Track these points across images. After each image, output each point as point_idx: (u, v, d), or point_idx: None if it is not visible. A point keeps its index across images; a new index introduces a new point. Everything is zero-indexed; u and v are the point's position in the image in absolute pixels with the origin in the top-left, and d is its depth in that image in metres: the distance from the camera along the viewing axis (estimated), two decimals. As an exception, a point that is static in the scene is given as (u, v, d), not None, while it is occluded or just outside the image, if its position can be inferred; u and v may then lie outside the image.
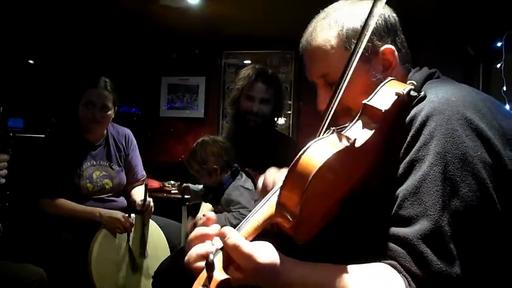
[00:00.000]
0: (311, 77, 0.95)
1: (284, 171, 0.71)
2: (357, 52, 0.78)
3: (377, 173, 0.78)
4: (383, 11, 0.88)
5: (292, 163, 0.65)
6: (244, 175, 1.80)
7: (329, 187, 0.70)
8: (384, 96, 0.75)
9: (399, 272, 0.65)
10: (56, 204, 1.89)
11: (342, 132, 0.72)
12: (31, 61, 3.55)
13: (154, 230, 2.02)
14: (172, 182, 3.23)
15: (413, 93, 0.76)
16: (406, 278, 0.64)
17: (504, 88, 2.51)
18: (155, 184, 3.15)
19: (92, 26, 3.28)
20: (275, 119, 2.13)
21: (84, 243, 1.82)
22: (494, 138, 0.69)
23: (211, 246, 0.65)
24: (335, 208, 0.79)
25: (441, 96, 0.73)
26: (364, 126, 0.74)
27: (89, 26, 3.27)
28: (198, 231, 0.69)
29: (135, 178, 2.21)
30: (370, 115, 0.74)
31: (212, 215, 0.72)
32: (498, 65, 2.59)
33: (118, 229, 1.86)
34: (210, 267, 0.58)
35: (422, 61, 0.95)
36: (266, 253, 0.62)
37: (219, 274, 0.58)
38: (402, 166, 0.72)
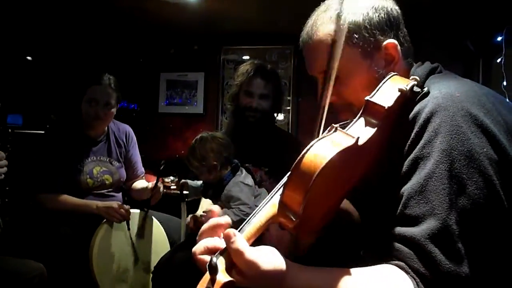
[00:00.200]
0: (312, 72, 0.93)
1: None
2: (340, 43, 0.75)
3: (378, 170, 0.78)
4: (386, 4, 0.87)
5: (295, 162, 0.64)
6: (244, 171, 1.79)
7: (332, 186, 0.69)
8: (387, 92, 0.74)
9: (407, 273, 0.64)
10: (54, 199, 1.90)
11: (345, 130, 0.71)
12: (29, 58, 3.53)
13: (154, 225, 2.02)
14: (171, 178, 3.22)
15: (416, 88, 0.75)
16: (415, 279, 0.63)
17: (504, 83, 2.51)
18: (154, 180, 3.13)
19: (90, 22, 3.25)
20: (275, 114, 2.12)
21: (83, 237, 1.83)
22: (499, 134, 0.68)
23: (221, 242, 0.64)
24: (336, 207, 0.78)
25: (444, 92, 0.72)
26: (366, 123, 0.73)
27: (87, 22, 3.24)
28: (212, 221, 0.68)
29: (135, 174, 2.23)
30: (373, 112, 0.73)
31: (216, 207, 0.72)
32: (498, 60, 2.58)
33: (114, 218, 1.86)
34: (213, 269, 0.58)
35: (421, 56, 0.94)
36: (269, 259, 0.61)
37: (223, 277, 0.58)
38: (406, 164, 0.71)
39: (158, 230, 2.03)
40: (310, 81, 0.96)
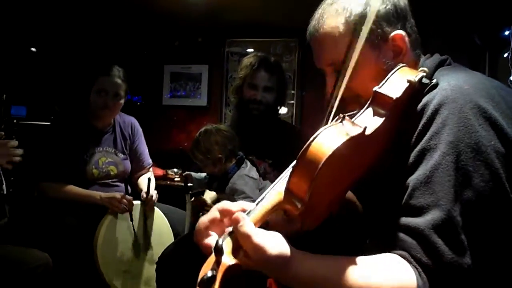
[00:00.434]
0: (319, 65, 0.93)
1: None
2: (362, 37, 0.76)
3: (385, 161, 0.78)
4: None
5: (302, 150, 0.64)
6: (249, 164, 1.79)
7: (338, 175, 0.69)
8: (396, 83, 0.74)
9: (410, 262, 0.65)
10: (57, 188, 1.92)
11: (352, 120, 0.71)
12: (33, 49, 3.53)
13: (158, 217, 2.03)
14: (175, 170, 3.24)
15: (425, 80, 0.74)
16: (417, 269, 0.64)
17: (511, 78, 2.48)
18: (158, 172, 3.15)
19: (94, 13, 3.25)
20: (278, 107, 2.12)
21: (88, 227, 1.85)
22: (508, 127, 0.68)
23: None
24: (342, 196, 0.78)
25: (453, 84, 0.71)
26: (374, 114, 0.73)
27: (91, 13, 3.24)
28: (223, 205, 0.69)
29: (141, 166, 2.24)
30: (381, 103, 0.73)
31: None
32: (505, 55, 2.56)
33: (117, 208, 1.87)
34: (218, 251, 0.58)
35: (427, 50, 0.93)
36: (276, 245, 0.61)
37: (228, 259, 0.58)
38: (413, 155, 0.71)
39: (162, 221, 2.03)
40: (314, 74, 0.96)
